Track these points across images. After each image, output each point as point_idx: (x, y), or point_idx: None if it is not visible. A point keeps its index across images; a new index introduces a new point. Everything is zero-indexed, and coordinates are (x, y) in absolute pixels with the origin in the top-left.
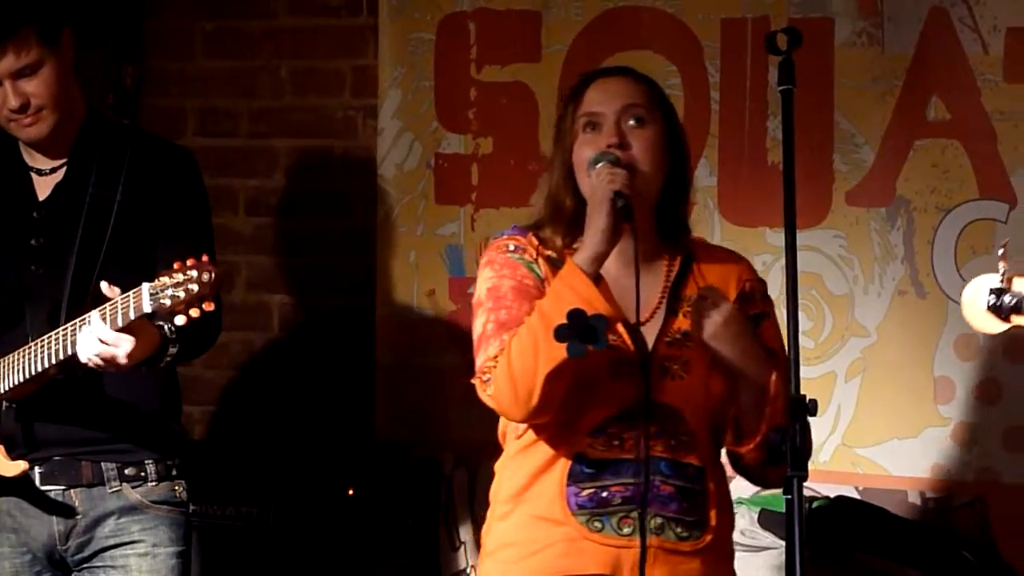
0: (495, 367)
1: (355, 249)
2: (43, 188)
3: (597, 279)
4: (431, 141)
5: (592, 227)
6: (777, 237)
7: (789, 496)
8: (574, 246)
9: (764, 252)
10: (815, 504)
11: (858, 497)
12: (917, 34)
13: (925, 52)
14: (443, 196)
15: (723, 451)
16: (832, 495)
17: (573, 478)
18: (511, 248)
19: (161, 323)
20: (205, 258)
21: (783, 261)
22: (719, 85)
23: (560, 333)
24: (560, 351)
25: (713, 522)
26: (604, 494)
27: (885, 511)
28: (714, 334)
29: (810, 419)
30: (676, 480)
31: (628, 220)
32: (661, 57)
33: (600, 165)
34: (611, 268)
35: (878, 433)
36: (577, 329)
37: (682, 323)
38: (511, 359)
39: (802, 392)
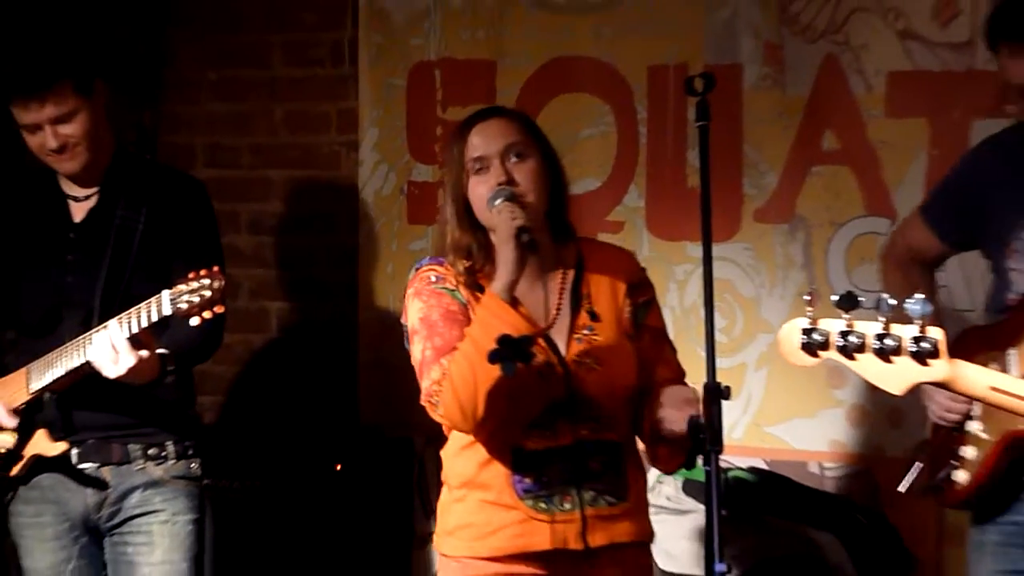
0: (441, 391)
1: (341, 263)
2: (78, 212)
3: (514, 302)
4: (404, 170)
5: (502, 260)
6: (696, 249)
7: (708, 468)
8: (483, 268)
9: (685, 262)
10: (731, 474)
11: (767, 468)
12: (813, 78)
13: (820, 92)
14: (414, 217)
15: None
16: (745, 466)
17: (516, 468)
18: (433, 279)
19: (161, 352)
20: (216, 269)
21: (701, 270)
22: (647, 122)
23: (493, 356)
24: (495, 371)
25: (632, 486)
26: (545, 478)
27: (790, 480)
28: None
29: (725, 402)
30: (601, 456)
31: (533, 251)
32: (597, 99)
33: (499, 202)
34: (520, 284)
35: (783, 414)
36: (507, 351)
37: (584, 319)
38: (454, 383)
39: (717, 380)
